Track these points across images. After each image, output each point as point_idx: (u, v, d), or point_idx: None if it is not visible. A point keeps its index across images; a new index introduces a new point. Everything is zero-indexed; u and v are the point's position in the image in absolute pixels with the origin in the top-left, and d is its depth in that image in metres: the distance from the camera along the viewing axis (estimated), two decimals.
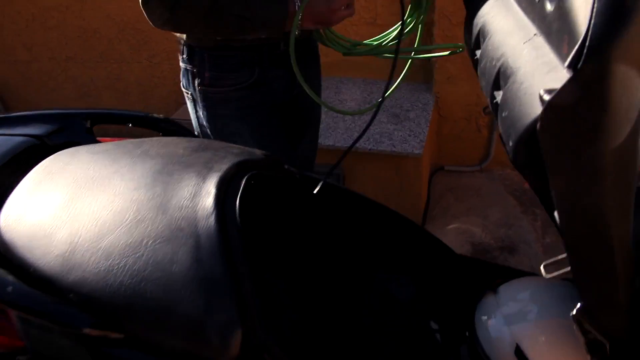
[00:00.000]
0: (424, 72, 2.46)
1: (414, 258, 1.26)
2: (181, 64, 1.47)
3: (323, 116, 2.34)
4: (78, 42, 2.94)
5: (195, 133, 1.55)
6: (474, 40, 0.88)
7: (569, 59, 0.49)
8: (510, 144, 0.64)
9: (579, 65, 0.47)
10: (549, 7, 0.67)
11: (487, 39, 0.82)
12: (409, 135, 2.15)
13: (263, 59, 1.40)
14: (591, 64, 0.47)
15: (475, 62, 0.87)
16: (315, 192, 1.18)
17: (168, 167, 0.99)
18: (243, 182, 0.95)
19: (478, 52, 0.85)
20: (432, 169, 2.57)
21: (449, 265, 1.27)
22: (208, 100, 1.47)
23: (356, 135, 2.26)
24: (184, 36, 1.38)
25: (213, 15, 1.23)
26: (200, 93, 1.46)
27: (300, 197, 1.21)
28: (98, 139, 1.17)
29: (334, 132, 2.21)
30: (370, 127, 2.25)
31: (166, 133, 1.18)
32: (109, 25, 2.82)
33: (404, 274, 1.26)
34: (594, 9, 0.47)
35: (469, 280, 1.24)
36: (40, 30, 2.97)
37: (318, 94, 1.60)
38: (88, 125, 1.16)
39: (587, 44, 0.47)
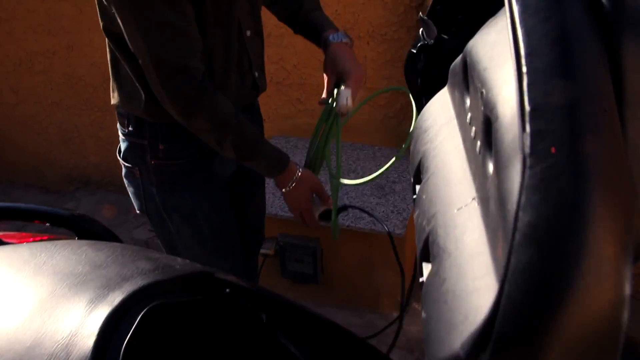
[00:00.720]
0: None
1: None
2: (124, 138, 1.33)
3: None
4: (63, 88, 2.86)
5: (138, 212, 1.40)
6: (415, 170, 0.71)
7: (465, 347, 0.31)
8: None
9: None
10: (490, 168, 0.49)
11: (426, 179, 0.65)
12: (392, 212, 1.97)
13: None
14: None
15: (414, 201, 0.70)
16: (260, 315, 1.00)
17: (58, 290, 0.82)
18: (138, 319, 0.78)
19: (417, 188, 0.69)
20: None
21: None
22: (163, 175, 1.33)
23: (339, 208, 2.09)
24: (140, 106, 1.24)
25: (229, 130, 1.22)
26: (153, 168, 1.32)
27: (231, 323, 1.03)
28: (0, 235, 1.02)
29: None
30: (353, 200, 2.09)
31: (81, 233, 1.03)
32: (93, 73, 2.73)
33: None
34: (509, 264, 0.29)
35: None
36: (27, 74, 2.90)
37: None
38: None
39: (493, 335, 0.29)
